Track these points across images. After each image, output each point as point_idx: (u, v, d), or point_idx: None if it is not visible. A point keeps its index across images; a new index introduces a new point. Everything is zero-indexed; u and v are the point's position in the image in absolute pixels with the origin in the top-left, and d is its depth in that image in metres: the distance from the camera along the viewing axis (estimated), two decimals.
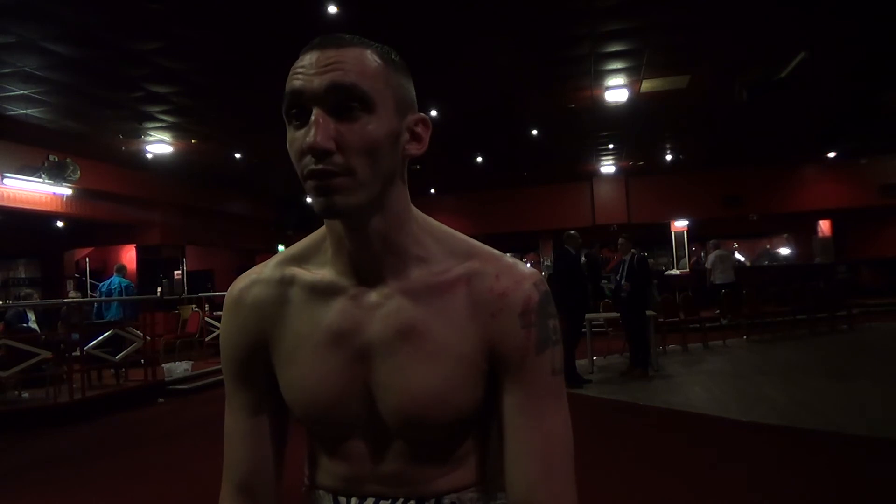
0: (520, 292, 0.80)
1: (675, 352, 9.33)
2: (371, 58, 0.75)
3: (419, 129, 0.81)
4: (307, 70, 0.73)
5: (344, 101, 0.72)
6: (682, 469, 4.21)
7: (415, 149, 0.81)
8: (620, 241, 8.09)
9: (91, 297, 11.83)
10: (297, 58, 0.77)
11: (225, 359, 0.89)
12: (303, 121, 0.74)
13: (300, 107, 0.74)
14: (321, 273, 0.85)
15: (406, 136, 0.79)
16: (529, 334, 0.80)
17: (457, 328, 0.80)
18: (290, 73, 0.75)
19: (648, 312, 7.91)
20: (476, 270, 0.82)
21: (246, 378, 0.88)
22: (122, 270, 10.12)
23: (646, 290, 7.97)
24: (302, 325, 0.84)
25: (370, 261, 0.81)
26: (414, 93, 0.82)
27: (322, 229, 0.87)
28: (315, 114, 0.72)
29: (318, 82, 0.72)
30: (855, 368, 7.40)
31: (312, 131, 0.71)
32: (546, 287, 0.83)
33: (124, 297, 9.51)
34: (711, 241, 13.23)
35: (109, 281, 9.87)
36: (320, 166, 0.72)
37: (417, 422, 0.80)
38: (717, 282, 12.10)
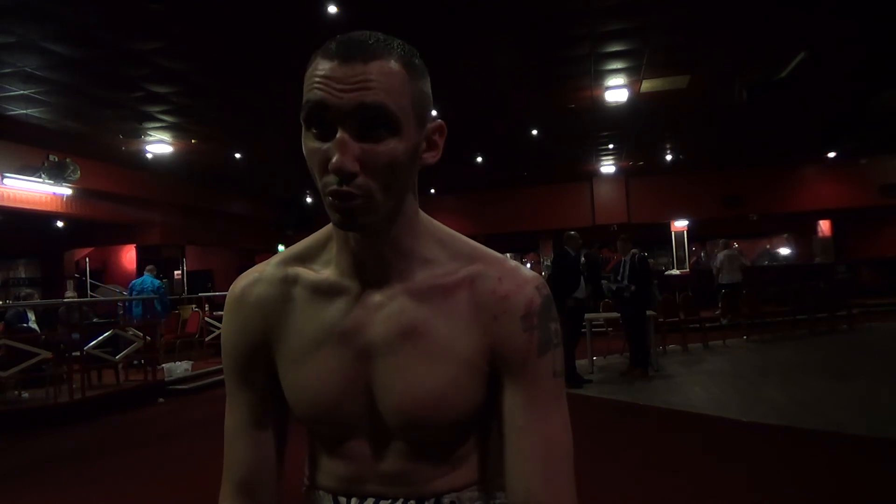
0: (522, 295, 0.81)
1: (675, 352, 9.33)
2: (397, 70, 0.73)
3: (436, 138, 0.81)
4: (333, 84, 0.71)
5: (370, 121, 0.72)
6: (681, 469, 4.21)
7: (431, 157, 0.81)
8: (620, 241, 8.00)
9: (91, 296, 11.83)
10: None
11: (226, 357, 0.89)
12: (323, 131, 0.73)
13: (322, 119, 0.73)
14: (325, 272, 0.85)
15: (424, 145, 0.79)
16: (531, 337, 0.80)
17: (459, 330, 0.80)
18: (311, 77, 0.73)
19: (649, 312, 7.91)
20: (479, 273, 0.82)
21: (247, 377, 0.88)
22: (152, 270, 10.37)
23: (647, 290, 7.90)
24: (305, 325, 0.84)
25: (376, 262, 0.81)
26: (431, 94, 0.80)
27: (327, 228, 0.87)
28: (340, 135, 0.71)
29: (346, 100, 0.71)
30: (855, 368, 7.40)
31: (338, 155, 0.71)
32: (548, 290, 0.83)
33: (132, 296, 9.53)
34: (721, 241, 13.13)
35: (142, 279, 10.28)
36: (343, 188, 0.72)
37: (418, 422, 0.80)
38: (724, 282, 12.07)
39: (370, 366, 0.82)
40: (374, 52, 0.73)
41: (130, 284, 10.71)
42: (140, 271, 14.47)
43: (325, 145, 0.72)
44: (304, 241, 0.90)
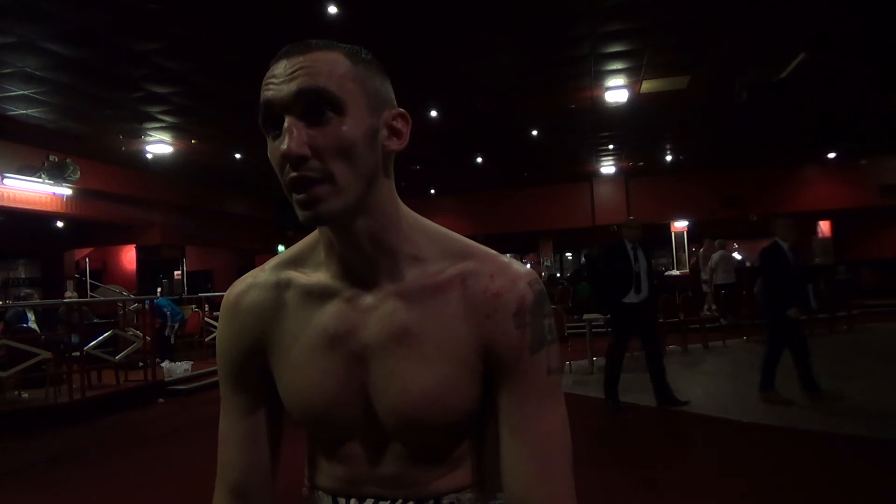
0: (514, 292, 0.80)
1: (675, 352, 9.32)
2: (338, 59, 0.75)
3: (398, 125, 0.80)
4: (276, 80, 0.74)
5: (313, 105, 0.73)
6: (681, 469, 4.21)
7: (395, 144, 0.80)
8: (781, 223, 5.83)
9: (91, 297, 11.83)
10: None
11: (221, 362, 0.90)
12: (279, 130, 0.74)
13: (274, 117, 0.74)
14: (316, 276, 0.85)
15: (384, 132, 0.79)
16: (524, 334, 0.79)
17: (452, 329, 0.80)
18: (263, 84, 0.75)
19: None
20: (471, 270, 0.81)
21: (241, 381, 0.89)
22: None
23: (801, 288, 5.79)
24: (298, 329, 0.84)
25: (362, 262, 0.81)
26: (391, 89, 0.81)
27: (317, 232, 0.87)
28: (287, 122, 0.73)
29: (286, 90, 0.72)
30: (855, 369, 7.39)
31: (286, 139, 0.72)
32: (541, 286, 0.83)
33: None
34: (717, 241, 13.08)
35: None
36: (298, 174, 0.72)
37: (414, 423, 0.80)
38: (720, 282, 12.06)
39: (364, 368, 0.82)
40: (315, 46, 0.75)
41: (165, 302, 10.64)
42: (140, 271, 14.54)
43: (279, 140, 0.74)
44: (297, 245, 0.90)
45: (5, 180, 9.99)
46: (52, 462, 5.27)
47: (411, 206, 0.86)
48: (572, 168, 15.88)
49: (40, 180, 10.23)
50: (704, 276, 13.04)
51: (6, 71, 7.56)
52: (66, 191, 10.99)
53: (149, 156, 11.52)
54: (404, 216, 0.83)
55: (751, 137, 13.02)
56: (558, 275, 18.32)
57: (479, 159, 13.92)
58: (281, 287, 0.86)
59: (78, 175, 10.59)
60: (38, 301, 10.47)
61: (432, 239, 0.84)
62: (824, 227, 17.21)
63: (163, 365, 8.63)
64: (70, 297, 10.14)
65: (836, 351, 9.09)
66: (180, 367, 8.77)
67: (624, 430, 5.44)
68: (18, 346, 6.94)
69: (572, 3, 6.65)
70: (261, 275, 0.89)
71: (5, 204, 10.26)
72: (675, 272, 16.44)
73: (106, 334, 8.07)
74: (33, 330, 7.97)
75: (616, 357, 5.95)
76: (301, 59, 0.74)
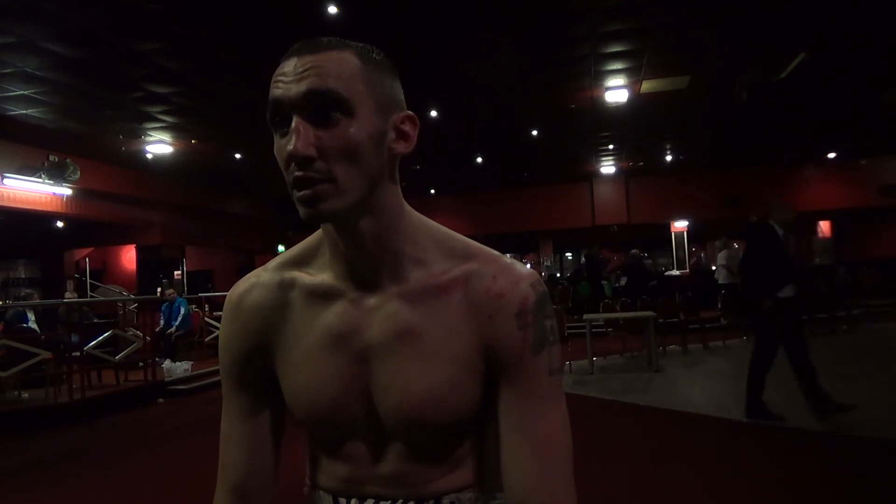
0: (517, 293, 0.80)
1: (675, 352, 9.33)
2: (349, 59, 0.75)
3: (406, 127, 0.80)
4: (286, 77, 0.74)
5: (322, 106, 0.73)
6: (682, 469, 4.21)
7: (402, 147, 0.80)
8: None
9: (91, 297, 11.83)
10: None
11: (223, 362, 0.90)
12: (286, 128, 0.74)
13: (282, 115, 0.74)
14: (320, 276, 0.85)
15: (392, 134, 0.78)
16: (526, 335, 0.80)
17: (454, 330, 0.80)
18: (272, 81, 0.75)
19: None
20: (473, 271, 0.82)
21: (243, 381, 0.89)
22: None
23: None
24: (302, 329, 0.84)
25: (366, 263, 0.81)
26: (400, 91, 0.81)
27: (320, 231, 0.87)
28: (295, 122, 0.73)
29: (295, 90, 0.73)
30: (854, 369, 7.39)
31: (293, 139, 0.72)
32: (543, 288, 0.83)
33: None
34: (721, 240, 13.02)
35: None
36: (303, 173, 0.73)
37: (415, 423, 0.80)
38: (723, 281, 12.02)
39: (367, 368, 0.82)
40: (325, 45, 0.75)
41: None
42: (140, 271, 14.53)
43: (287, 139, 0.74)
44: (300, 245, 0.90)
45: (5, 180, 9.99)
46: (52, 462, 5.27)
47: (411, 206, 0.86)
48: (572, 168, 15.87)
49: (40, 180, 10.23)
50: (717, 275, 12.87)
51: (6, 71, 7.56)
52: (66, 191, 10.99)
53: (149, 156, 11.52)
54: (408, 217, 0.83)
55: (751, 137, 13.01)
56: (558, 275, 18.33)
57: (479, 159, 13.92)
58: (284, 287, 0.87)
59: (78, 175, 10.59)
60: (38, 301, 10.46)
61: (436, 240, 0.84)
62: (824, 227, 17.20)
63: (163, 365, 8.64)
64: (70, 298, 10.13)
65: (835, 351, 9.09)
66: (180, 367, 8.77)
67: (624, 430, 5.44)
68: (18, 346, 6.95)
69: (572, 3, 6.65)
70: (264, 274, 0.89)
71: (5, 204, 10.25)
72: (675, 272, 16.44)
73: (106, 334, 8.07)
74: (33, 330, 7.97)
75: (768, 362, 5.17)
76: (312, 58, 0.74)
